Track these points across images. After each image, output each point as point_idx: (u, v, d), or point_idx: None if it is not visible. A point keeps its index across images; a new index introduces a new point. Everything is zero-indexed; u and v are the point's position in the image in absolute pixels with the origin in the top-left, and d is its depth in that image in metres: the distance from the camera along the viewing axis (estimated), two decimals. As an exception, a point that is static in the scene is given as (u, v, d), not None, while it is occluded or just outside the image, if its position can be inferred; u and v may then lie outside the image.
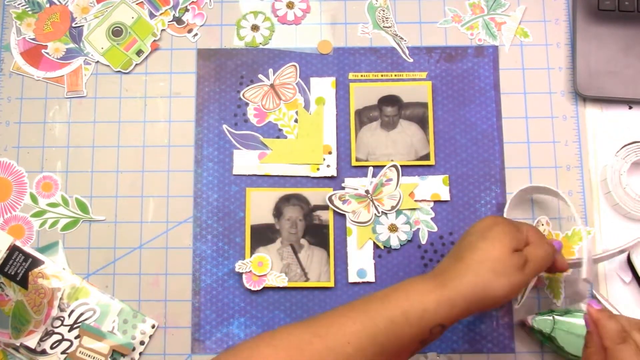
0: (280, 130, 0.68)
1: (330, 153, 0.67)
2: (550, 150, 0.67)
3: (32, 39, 0.70)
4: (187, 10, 0.71)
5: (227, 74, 0.69)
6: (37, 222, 0.66)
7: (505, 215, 0.64)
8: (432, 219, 0.66)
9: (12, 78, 0.70)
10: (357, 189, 0.66)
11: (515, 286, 0.50)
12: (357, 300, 0.51)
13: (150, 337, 0.64)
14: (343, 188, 0.66)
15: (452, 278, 0.50)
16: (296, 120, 0.68)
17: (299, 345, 0.47)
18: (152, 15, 0.70)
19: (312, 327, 0.49)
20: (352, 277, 0.65)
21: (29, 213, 0.67)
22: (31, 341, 0.63)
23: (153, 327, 0.64)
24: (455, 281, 0.50)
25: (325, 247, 0.65)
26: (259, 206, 0.66)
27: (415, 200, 0.66)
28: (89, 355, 0.63)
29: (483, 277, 0.50)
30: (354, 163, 0.67)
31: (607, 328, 0.49)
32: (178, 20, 0.70)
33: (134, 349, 0.63)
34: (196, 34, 0.70)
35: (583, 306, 0.61)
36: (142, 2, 0.70)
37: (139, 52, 0.70)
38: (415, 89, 0.68)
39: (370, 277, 0.65)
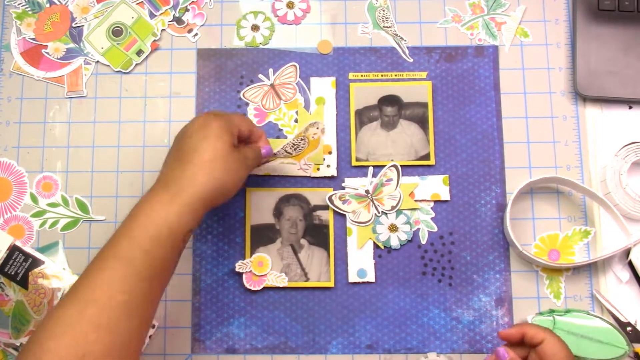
0: (280, 130, 0.67)
1: (330, 153, 0.67)
2: (550, 150, 0.67)
3: (32, 39, 0.70)
4: (187, 10, 0.71)
5: (227, 74, 0.69)
6: (37, 222, 0.66)
7: (509, 209, 0.64)
8: (432, 219, 0.66)
9: (12, 78, 0.70)
10: (357, 189, 0.66)
11: (243, 179, 0.56)
12: (106, 246, 0.50)
13: (150, 337, 0.64)
14: (343, 188, 0.66)
15: (186, 185, 0.51)
16: (296, 120, 0.68)
17: (74, 320, 0.46)
18: (152, 15, 0.70)
19: (79, 296, 0.47)
20: (352, 277, 0.65)
21: (29, 213, 0.67)
22: (31, 341, 0.63)
23: (153, 327, 0.64)
24: (190, 187, 0.51)
25: (325, 247, 0.65)
26: (259, 206, 0.66)
27: (415, 200, 0.66)
28: (89, 355, 0.63)
29: (215, 176, 0.52)
30: (354, 163, 0.67)
31: (532, 331, 0.54)
32: (178, 20, 0.70)
33: (134, 349, 0.63)
34: (196, 34, 0.70)
35: None
36: (142, 2, 0.70)
37: (139, 52, 0.70)
38: (415, 89, 0.68)
39: (371, 277, 0.65)
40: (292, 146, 0.62)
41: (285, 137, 0.67)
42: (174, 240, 0.51)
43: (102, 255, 0.50)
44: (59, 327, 0.46)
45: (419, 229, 0.66)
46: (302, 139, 0.62)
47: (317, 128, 0.62)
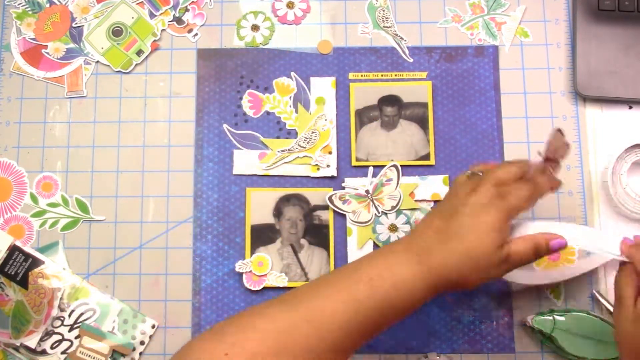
0: (279, 117, 0.67)
1: (330, 153, 0.67)
2: (550, 150, 0.67)
3: (32, 39, 0.70)
4: (187, 10, 0.71)
5: (227, 74, 0.69)
6: (37, 222, 0.66)
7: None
8: (432, 219, 0.66)
9: (12, 78, 0.70)
10: (357, 189, 0.66)
11: (488, 280, 0.51)
12: (341, 279, 0.50)
13: (150, 337, 0.64)
14: (343, 188, 0.66)
15: (437, 264, 0.50)
16: (292, 106, 0.67)
17: (287, 329, 0.46)
18: (152, 15, 0.70)
19: (298, 311, 0.48)
20: (352, 277, 0.65)
21: (29, 213, 0.67)
22: (31, 341, 0.63)
23: (153, 327, 0.64)
24: (440, 268, 0.50)
25: (326, 247, 0.65)
26: (259, 206, 0.66)
27: (416, 200, 0.66)
28: (89, 355, 0.63)
29: (463, 270, 0.50)
30: (354, 163, 0.67)
31: (637, 259, 0.51)
32: (178, 20, 0.70)
33: (134, 349, 0.63)
34: (196, 34, 0.70)
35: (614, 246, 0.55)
36: (142, 2, 0.70)
37: (139, 52, 0.70)
38: (415, 89, 0.68)
39: (370, 277, 0.64)
40: (305, 140, 0.64)
41: (287, 133, 0.67)
42: (406, 307, 0.50)
43: (337, 282, 0.50)
44: (267, 324, 0.47)
45: (419, 229, 0.65)
46: (313, 132, 0.64)
47: (326, 120, 0.63)
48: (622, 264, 0.53)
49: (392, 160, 0.66)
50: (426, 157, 0.67)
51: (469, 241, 0.50)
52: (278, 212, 0.66)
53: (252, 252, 0.65)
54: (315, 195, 0.66)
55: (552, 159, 0.54)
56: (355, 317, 0.48)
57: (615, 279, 0.53)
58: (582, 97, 0.68)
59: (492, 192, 0.51)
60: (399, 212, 0.66)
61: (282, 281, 0.64)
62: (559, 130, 0.53)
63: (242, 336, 0.45)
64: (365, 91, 0.68)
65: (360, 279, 0.50)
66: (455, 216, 0.51)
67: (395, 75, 0.69)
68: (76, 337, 0.63)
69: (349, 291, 0.49)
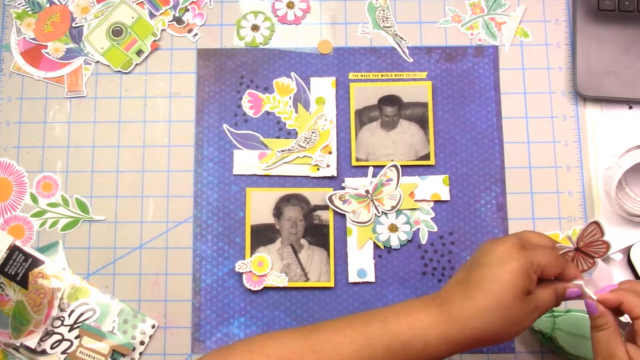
0: (279, 117, 0.67)
1: (330, 153, 0.67)
2: (550, 150, 0.67)
3: (32, 39, 0.70)
4: (187, 10, 0.71)
5: (227, 74, 0.69)
6: (37, 222, 0.66)
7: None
8: (432, 218, 0.66)
9: (12, 78, 0.70)
10: (357, 189, 0.66)
11: (523, 331, 0.49)
12: (357, 317, 0.50)
13: (150, 337, 0.64)
14: (343, 188, 0.66)
15: (461, 318, 0.47)
16: (291, 106, 0.67)
17: (291, 358, 0.47)
18: (152, 15, 0.70)
19: (308, 340, 0.48)
20: (352, 277, 0.65)
21: (29, 213, 0.67)
22: (31, 341, 0.63)
23: (153, 327, 0.64)
24: (463, 322, 0.47)
25: (326, 247, 0.65)
26: (259, 206, 0.66)
27: (415, 200, 0.66)
28: (89, 355, 0.63)
29: (493, 325, 0.47)
30: (354, 163, 0.67)
31: (631, 302, 0.48)
32: (178, 20, 0.71)
33: (134, 349, 0.63)
34: (196, 34, 0.70)
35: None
36: (142, 2, 0.70)
37: (139, 52, 0.70)
38: (415, 89, 0.68)
39: (371, 277, 0.65)
40: (305, 140, 0.64)
41: (287, 133, 0.67)
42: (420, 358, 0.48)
43: (352, 320, 0.49)
44: (274, 350, 0.47)
45: (419, 229, 0.66)
46: (313, 132, 0.64)
47: (326, 120, 0.63)
48: (595, 323, 0.49)
49: (392, 160, 0.66)
50: (426, 157, 0.67)
51: (493, 293, 0.47)
52: (278, 212, 0.66)
53: (252, 252, 0.65)
54: (315, 195, 0.66)
55: (583, 251, 0.52)
56: (361, 355, 0.47)
57: (598, 341, 0.48)
58: (582, 97, 0.68)
59: (515, 242, 0.49)
60: (399, 212, 0.66)
61: (282, 281, 0.64)
62: (596, 223, 0.50)
63: (248, 356, 0.46)
64: (365, 91, 0.68)
65: (376, 317, 0.49)
66: (476, 267, 0.49)
67: (395, 75, 0.69)
68: (76, 337, 0.63)
69: (362, 328, 0.48)
